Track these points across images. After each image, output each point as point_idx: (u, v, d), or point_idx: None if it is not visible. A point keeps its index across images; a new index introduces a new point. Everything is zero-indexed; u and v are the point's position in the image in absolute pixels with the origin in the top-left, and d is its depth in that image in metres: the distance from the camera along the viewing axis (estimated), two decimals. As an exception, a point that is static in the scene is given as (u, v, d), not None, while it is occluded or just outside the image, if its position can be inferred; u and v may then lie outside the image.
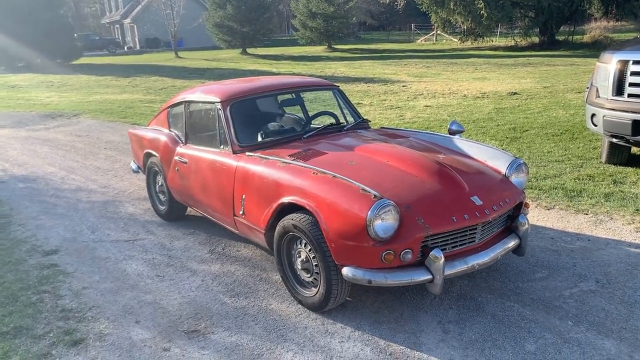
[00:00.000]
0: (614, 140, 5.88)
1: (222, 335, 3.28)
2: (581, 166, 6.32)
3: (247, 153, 3.95)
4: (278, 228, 3.49)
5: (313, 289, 3.44)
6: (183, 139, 4.78)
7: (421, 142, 4.11)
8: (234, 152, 4.03)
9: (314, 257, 3.32)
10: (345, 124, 4.57)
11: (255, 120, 4.65)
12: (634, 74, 5.54)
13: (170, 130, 5.05)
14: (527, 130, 8.58)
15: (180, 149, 4.73)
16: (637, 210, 4.83)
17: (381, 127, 4.76)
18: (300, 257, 3.44)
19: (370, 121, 4.78)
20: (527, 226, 3.47)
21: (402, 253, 3.00)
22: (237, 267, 4.20)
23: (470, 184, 3.37)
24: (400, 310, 3.42)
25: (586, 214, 4.84)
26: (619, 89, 5.75)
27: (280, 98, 5.04)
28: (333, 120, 4.62)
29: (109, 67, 28.54)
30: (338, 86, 4.87)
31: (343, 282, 3.22)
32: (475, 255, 3.22)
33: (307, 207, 3.22)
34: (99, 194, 6.45)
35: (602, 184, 5.61)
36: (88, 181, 7.05)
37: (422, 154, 3.67)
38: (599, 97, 6.03)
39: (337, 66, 23.73)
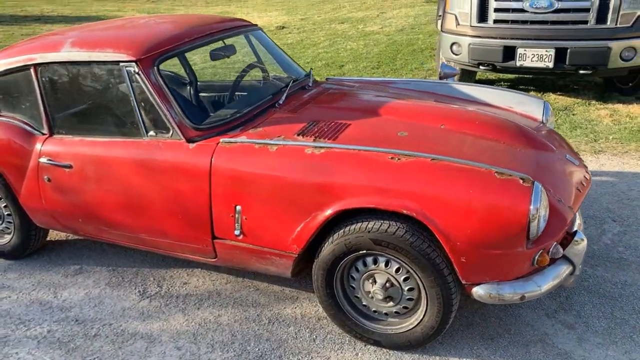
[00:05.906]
0: (481, 68, 5.88)
1: None
2: (437, 97, 6.22)
3: (223, 139, 2.52)
4: (332, 247, 2.31)
5: (395, 320, 2.42)
6: (44, 129, 2.90)
7: (423, 92, 3.24)
8: (189, 140, 2.54)
9: (406, 280, 2.30)
10: (302, 78, 3.35)
11: (181, 85, 3.07)
12: None
13: (1, 116, 3.03)
14: (343, 66, 8.22)
15: (46, 147, 2.86)
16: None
17: (327, 78, 3.65)
18: (375, 283, 2.35)
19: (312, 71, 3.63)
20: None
21: (552, 248, 2.24)
22: (213, 312, 2.79)
23: (549, 141, 2.72)
24: (488, 312, 2.67)
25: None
26: (481, 16, 5.69)
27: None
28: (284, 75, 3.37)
29: None
30: (258, 26, 3.53)
31: (457, 304, 2.31)
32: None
33: (407, 212, 2.14)
34: None
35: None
36: None
37: (473, 110, 2.84)
38: (459, 24, 5.89)
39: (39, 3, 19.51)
